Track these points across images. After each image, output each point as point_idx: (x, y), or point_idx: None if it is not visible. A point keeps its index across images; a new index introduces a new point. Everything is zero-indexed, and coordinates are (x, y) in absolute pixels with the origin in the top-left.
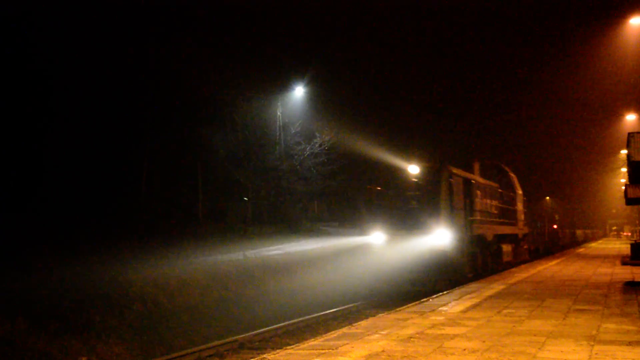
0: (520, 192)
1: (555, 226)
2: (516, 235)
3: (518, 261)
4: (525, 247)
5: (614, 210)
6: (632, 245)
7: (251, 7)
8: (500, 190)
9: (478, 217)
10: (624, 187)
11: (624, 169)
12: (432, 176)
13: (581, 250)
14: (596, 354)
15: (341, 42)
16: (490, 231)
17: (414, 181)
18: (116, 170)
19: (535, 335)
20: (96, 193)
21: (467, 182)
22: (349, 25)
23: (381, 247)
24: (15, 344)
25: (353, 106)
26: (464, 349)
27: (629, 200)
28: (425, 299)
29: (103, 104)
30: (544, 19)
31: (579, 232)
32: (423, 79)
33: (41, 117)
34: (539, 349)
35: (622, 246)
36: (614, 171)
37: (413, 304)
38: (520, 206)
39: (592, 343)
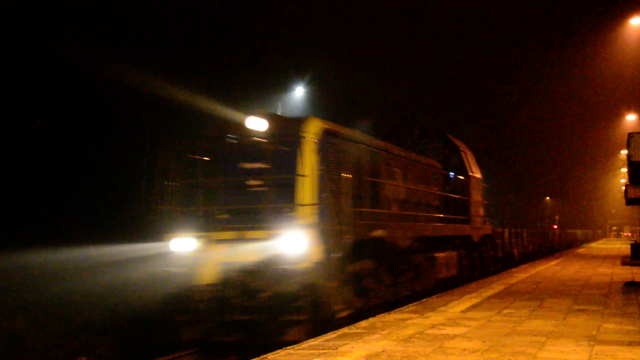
0: (477, 175)
1: (555, 226)
2: (468, 237)
3: (472, 276)
4: (490, 253)
5: (614, 211)
6: (632, 245)
7: (251, 7)
8: (442, 171)
9: (383, 210)
10: (624, 187)
11: (624, 169)
12: (288, 135)
13: (581, 250)
14: (596, 354)
15: (340, 42)
16: (406, 232)
17: (258, 142)
18: (116, 171)
19: (535, 336)
20: (95, 194)
21: (362, 150)
22: (349, 24)
23: (187, 261)
24: (15, 344)
25: (352, 105)
26: (464, 349)
27: (629, 201)
28: (425, 299)
29: (103, 103)
30: (544, 18)
31: (579, 232)
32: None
33: (41, 117)
34: (539, 349)
35: (622, 246)
36: (614, 171)
37: (413, 304)
38: (476, 195)
39: (592, 343)
